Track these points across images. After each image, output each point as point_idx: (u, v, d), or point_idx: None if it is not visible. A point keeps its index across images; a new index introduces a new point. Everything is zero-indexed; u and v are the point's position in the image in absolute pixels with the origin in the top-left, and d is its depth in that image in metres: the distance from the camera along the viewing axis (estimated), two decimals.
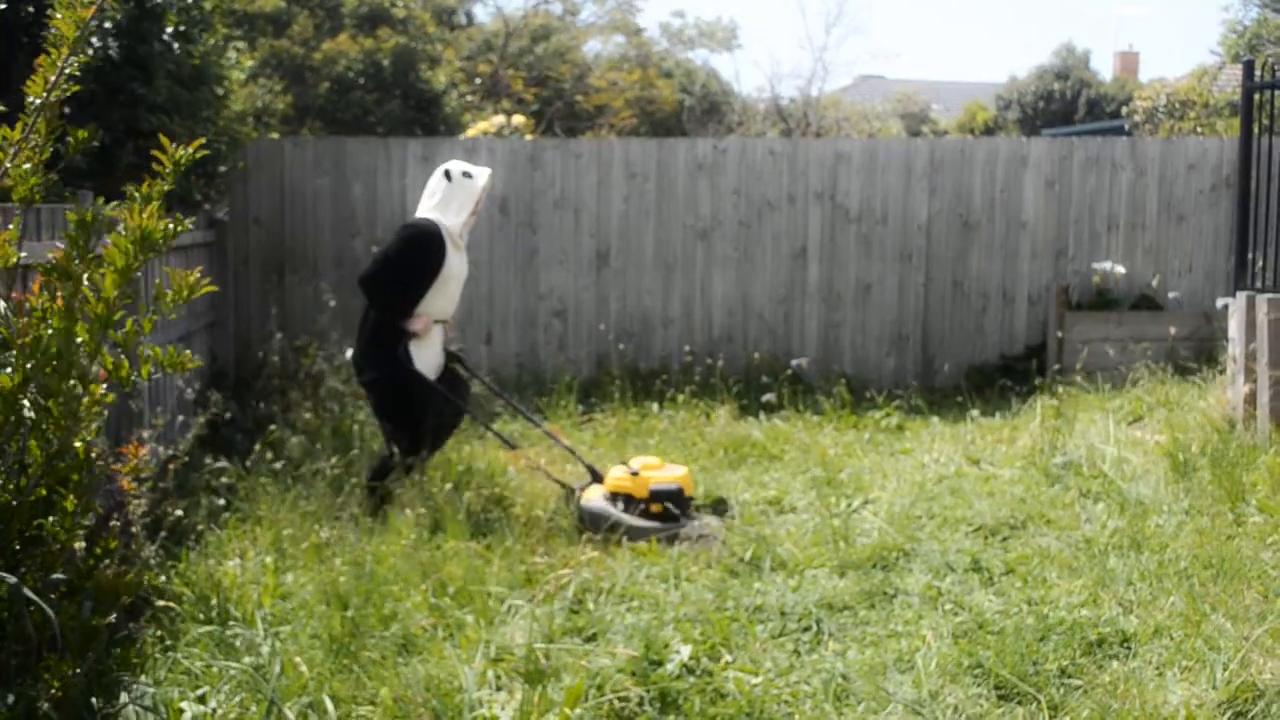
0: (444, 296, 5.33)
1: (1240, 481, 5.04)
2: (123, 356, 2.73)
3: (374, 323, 5.25)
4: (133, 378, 2.77)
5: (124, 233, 2.63)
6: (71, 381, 2.62)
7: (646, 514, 5.09)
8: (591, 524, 5.01)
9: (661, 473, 5.23)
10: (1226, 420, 6.07)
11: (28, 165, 2.66)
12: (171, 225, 2.76)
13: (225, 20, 7.02)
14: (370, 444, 6.17)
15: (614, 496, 5.18)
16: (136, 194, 2.70)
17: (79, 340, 2.62)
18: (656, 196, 8.64)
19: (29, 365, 2.58)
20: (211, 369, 7.54)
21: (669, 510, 5.07)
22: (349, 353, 5.57)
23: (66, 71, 2.69)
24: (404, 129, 12.83)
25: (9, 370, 2.57)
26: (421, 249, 5.19)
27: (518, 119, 12.57)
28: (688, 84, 22.79)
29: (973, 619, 3.92)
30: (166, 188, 2.75)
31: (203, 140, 2.85)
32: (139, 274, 2.78)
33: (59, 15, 2.65)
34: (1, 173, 2.65)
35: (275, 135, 9.65)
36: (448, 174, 5.33)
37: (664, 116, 20.77)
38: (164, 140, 2.80)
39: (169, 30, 6.20)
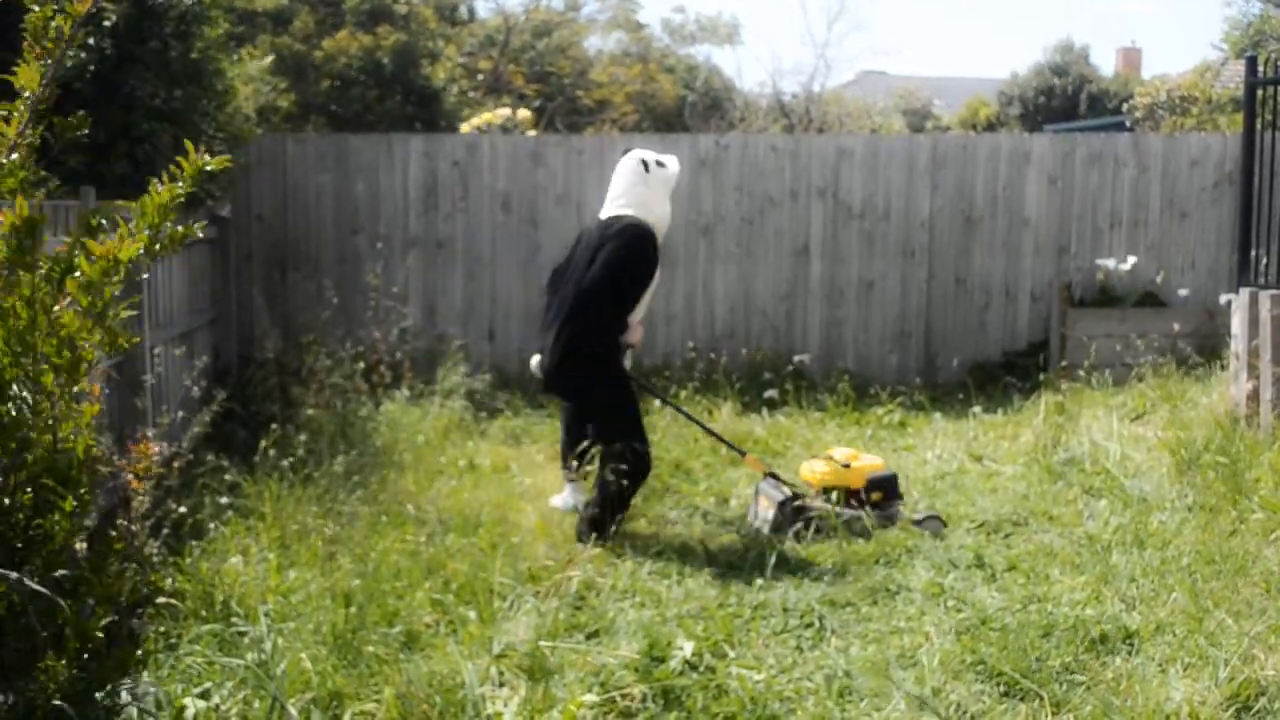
0: (645, 303, 4.95)
1: (1243, 478, 5.04)
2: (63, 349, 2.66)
3: (583, 335, 4.80)
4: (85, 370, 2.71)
5: (93, 260, 2.56)
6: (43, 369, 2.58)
7: (861, 504, 5.05)
8: (808, 521, 4.91)
9: (866, 462, 5.21)
10: (1230, 417, 6.06)
11: (15, 156, 2.63)
12: (181, 229, 2.74)
13: (227, 16, 6.98)
14: (373, 439, 6.17)
15: (825, 491, 5.09)
16: (156, 191, 2.65)
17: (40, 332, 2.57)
18: None
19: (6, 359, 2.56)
20: (214, 366, 7.54)
21: (881, 499, 5.08)
22: (534, 361, 5.11)
23: (63, 63, 2.66)
24: (405, 125, 12.83)
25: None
26: (647, 252, 4.80)
27: (523, 113, 12.55)
28: (689, 80, 22.78)
29: (975, 615, 3.92)
30: (186, 191, 2.70)
31: (227, 159, 2.78)
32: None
33: (39, 16, 2.61)
34: None
35: (284, 131, 9.64)
36: (644, 164, 4.91)
37: (666, 112, 20.76)
38: (188, 145, 2.75)
39: (168, 30, 6.15)
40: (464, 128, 12.28)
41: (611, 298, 4.77)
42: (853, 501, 5.06)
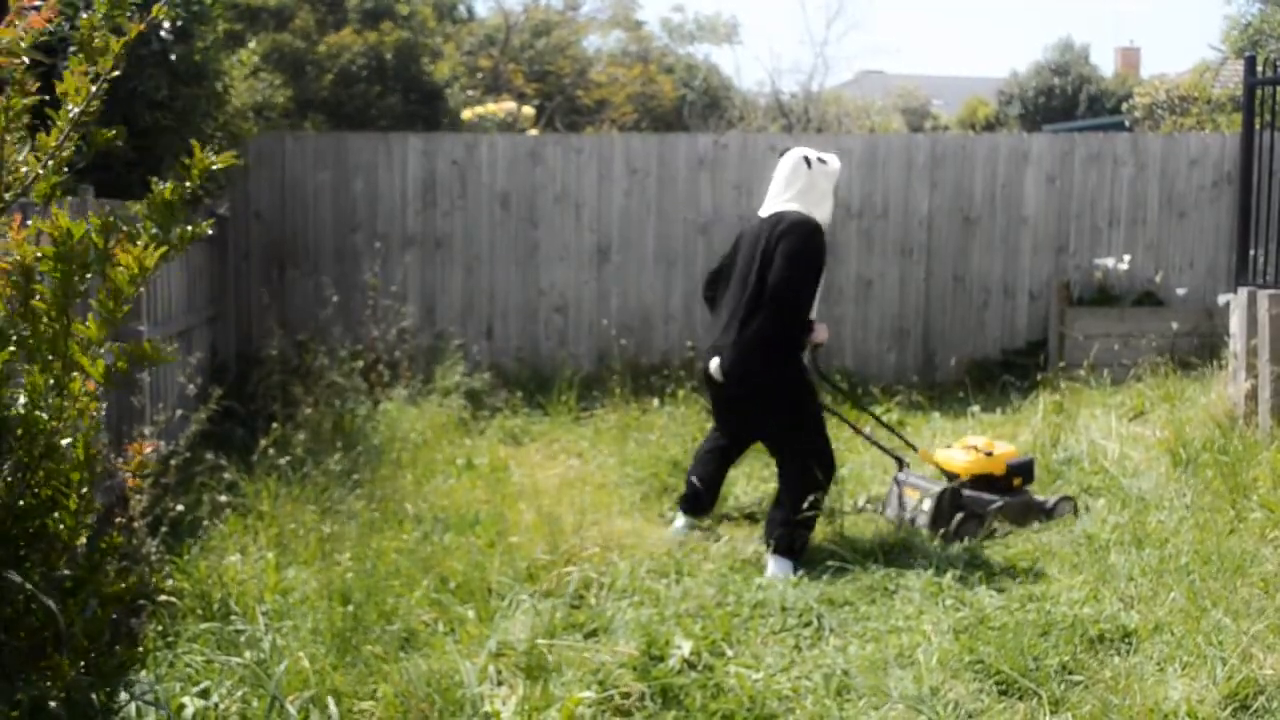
0: (818, 299, 4.84)
1: (1241, 477, 5.04)
2: (96, 353, 2.69)
3: (769, 333, 4.65)
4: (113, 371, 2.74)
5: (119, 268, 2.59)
6: (51, 378, 2.60)
7: (1005, 490, 5.05)
8: (972, 510, 4.91)
9: (1003, 448, 5.21)
10: (1228, 416, 6.06)
11: (50, 164, 2.66)
12: (191, 229, 2.75)
13: (227, 16, 6.98)
14: (370, 439, 6.17)
15: (973, 479, 5.05)
16: (161, 192, 2.66)
17: (79, 336, 2.60)
18: (657, 192, 8.63)
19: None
20: (212, 363, 7.54)
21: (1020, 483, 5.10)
22: (713, 363, 4.78)
23: (105, 79, 2.67)
24: (405, 123, 12.82)
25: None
26: (821, 247, 4.70)
27: (526, 109, 12.56)
28: (688, 79, 22.77)
29: (973, 614, 3.92)
30: (193, 189, 2.71)
31: (233, 155, 2.78)
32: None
33: (86, 24, 2.62)
34: (33, 178, 2.64)
35: (281, 127, 9.62)
36: (806, 161, 4.81)
37: (665, 111, 20.74)
38: (195, 145, 2.76)
39: (166, 26, 6.17)
40: (466, 115, 12.27)
41: (800, 292, 4.65)
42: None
